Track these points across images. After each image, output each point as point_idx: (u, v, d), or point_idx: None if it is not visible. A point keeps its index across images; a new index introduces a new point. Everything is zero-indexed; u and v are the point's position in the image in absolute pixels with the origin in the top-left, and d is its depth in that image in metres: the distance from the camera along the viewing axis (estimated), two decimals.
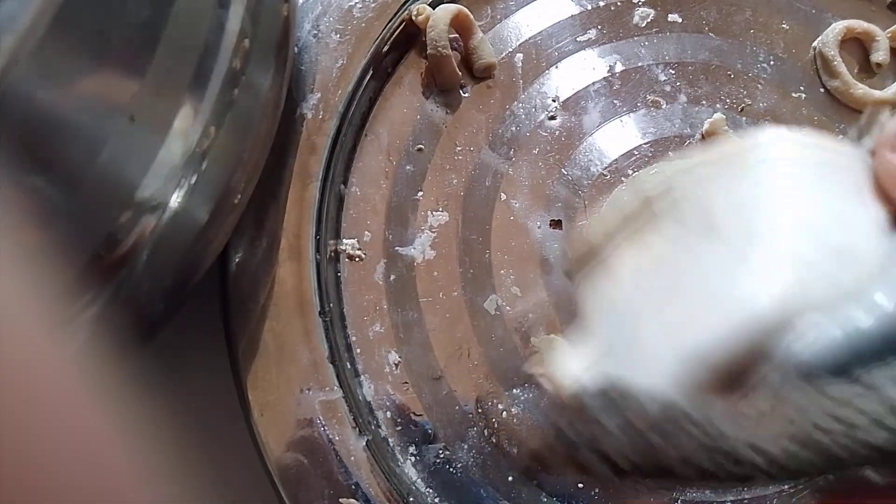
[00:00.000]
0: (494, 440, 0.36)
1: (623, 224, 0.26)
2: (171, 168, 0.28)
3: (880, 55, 0.42)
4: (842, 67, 0.42)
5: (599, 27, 0.42)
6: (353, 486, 0.34)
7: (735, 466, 0.21)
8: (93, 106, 0.24)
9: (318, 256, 0.37)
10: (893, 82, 0.42)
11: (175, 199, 0.29)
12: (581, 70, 0.42)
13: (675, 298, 0.23)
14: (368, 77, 0.40)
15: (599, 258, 0.26)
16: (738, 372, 0.22)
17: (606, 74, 0.42)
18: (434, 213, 0.39)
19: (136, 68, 0.25)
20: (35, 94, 0.21)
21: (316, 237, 0.37)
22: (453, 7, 0.39)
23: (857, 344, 0.21)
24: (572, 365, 0.24)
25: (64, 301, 0.26)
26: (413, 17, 0.40)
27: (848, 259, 0.22)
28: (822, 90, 0.42)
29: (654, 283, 0.24)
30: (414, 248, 0.38)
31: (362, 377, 0.37)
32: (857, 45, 0.43)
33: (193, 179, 0.29)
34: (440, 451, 0.36)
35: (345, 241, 0.38)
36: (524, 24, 0.42)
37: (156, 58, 0.25)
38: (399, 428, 0.36)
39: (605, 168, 0.40)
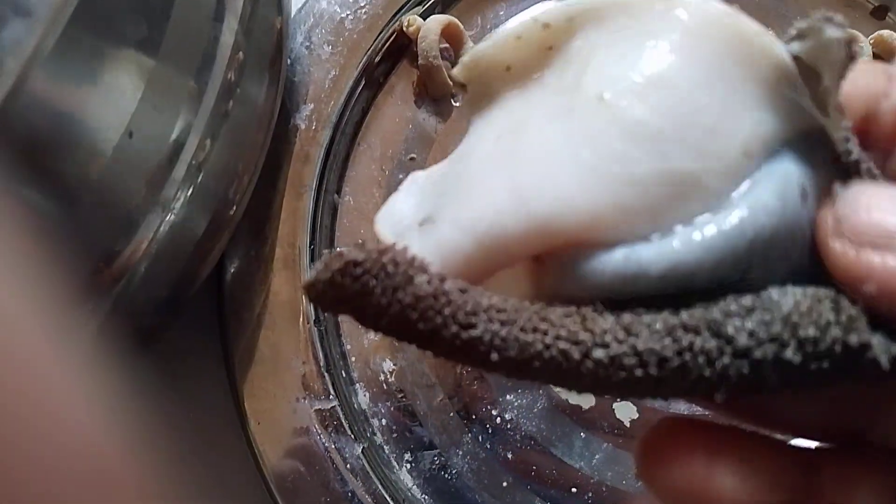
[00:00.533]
0: (489, 446, 0.36)
1: (513, 56, 0.21)
2: (167, 181, 0.28)
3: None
4: None
5: None
6: (350, 494, 0.35)
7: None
8: (92, 123, 0.24)
9: (312, 266, 0.37)
10: None
11: (172, 211, 0.29)
12: None
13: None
14: (360, 87, 0.40)
15: (488, 98, 0.22)
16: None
17: None
18: None
19: (133, 85, 0.25)
20: (37, 112, 0.21)
21: (310, 246, 0.38)
22: (444, 18, 0.40)
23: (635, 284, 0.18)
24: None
25: (65, 312, 0.27)
26: (404, 28, 0.40)
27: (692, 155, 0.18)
28: None
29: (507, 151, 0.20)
30: None
31: (357, 385, 0.37)
32: None
33: (189, 192, 0.29)
34: (435, 458, 0.36)
35: (339, 250, 0.38)
36: None
37: (153, 74, 0.26)
38: (394, 435, 0.36)
39: None
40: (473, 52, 0.21)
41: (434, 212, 0.20)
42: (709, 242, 0.18)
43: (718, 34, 0.19)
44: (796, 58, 0.19)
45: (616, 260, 0.18)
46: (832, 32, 0.18)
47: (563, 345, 0.18)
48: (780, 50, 0.19)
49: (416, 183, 0.22)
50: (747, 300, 0.18)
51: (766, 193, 0.19)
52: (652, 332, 0.18)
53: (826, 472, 0.20)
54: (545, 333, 0.18)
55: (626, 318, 0.18)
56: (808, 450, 0.21)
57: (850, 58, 0.18)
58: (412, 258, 0.18)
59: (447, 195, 0.20)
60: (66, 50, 0.21)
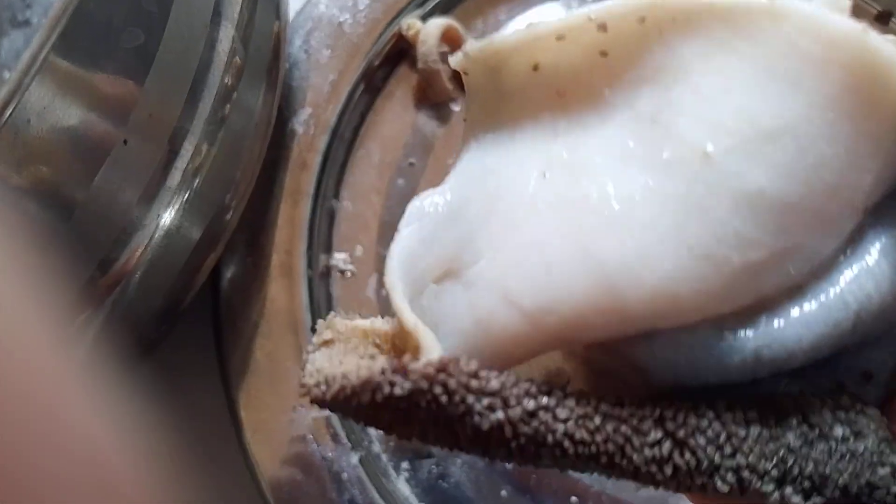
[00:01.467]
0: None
1: (548, 56, 0.18)
2: (163, 188, 0.28)
3: None
4: None
5: None
6: (347, 503, 0.34)
7: None
8: (88, 131, 0.24)
9: (309, 272, 0.37)
10: None
11: (167, 218, 0.29)
12: None
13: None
14: (359, 92, 0.40)
15: (500, 103, 0.19)
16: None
17: None
18: None
19: (130, 93, 0.25)
20: (33, 121, 0.21)
21: (307, 253, 0.37)
22: (444, 21, 0.39)
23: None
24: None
25: (61, 321, 0.26)
26: (404, 32, 0.40)
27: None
28: None
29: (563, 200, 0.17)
30: None
31: None
32: None
33: (186, 198, 0.29)
34: (433, 467, 0.36)
35: (336, 255, 0.38)
36: None
37: (149, 81, 0.25)
38: (391, 444, 0.36)
39: None
40: (486, 40, 0.18)
41: (458, 262, 0.17)
42: (810, 317, 0.16)
43: (845, 61, 0.15)
44: None
45: (712, 346, 0.16)
46: None
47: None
48: None
49: (422, 217, 0.19)
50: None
51: (876, 255, 0.16)
52: (760, 448, 0.16)
53: None
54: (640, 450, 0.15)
55: (726, 426, 0.16)
56: None
57: None
58: (468, 377, 0.15)
59: (472, 241, 0.17)
60: (62, 59, 0.21)
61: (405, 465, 0.36)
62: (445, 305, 0.17)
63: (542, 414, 0.15)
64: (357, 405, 0.15)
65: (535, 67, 0.17)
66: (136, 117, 0.26)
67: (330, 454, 0.35)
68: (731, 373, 0.16)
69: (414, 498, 0.35)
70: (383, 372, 0.15)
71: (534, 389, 0.15)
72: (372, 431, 0.36)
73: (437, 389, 0.15)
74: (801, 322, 0.16)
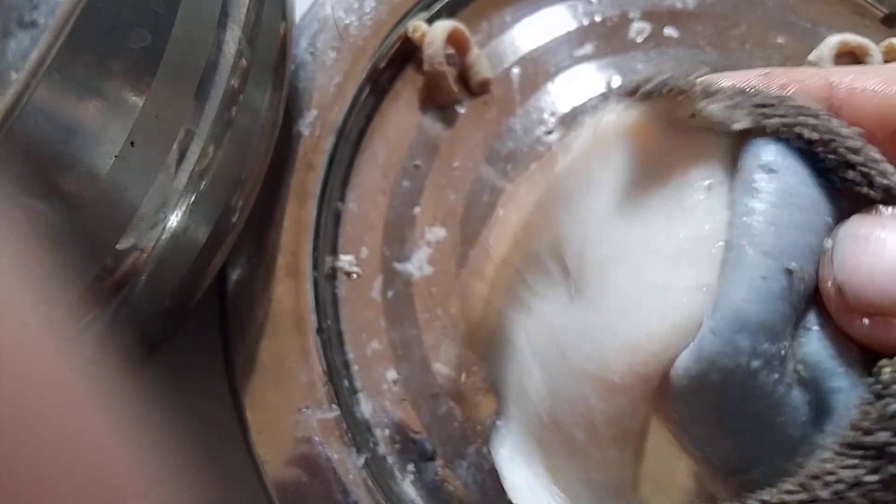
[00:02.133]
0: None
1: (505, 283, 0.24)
2: (170, 189, 0.28)
3: None
4: None
5: (596, 42, 0.43)
6: None
7: None
8: (95, 133, 0.24)
9: (315, 274, 0.37)
10: None
11: (174, 220, 0.29)
12: (578, 85, 0.42)
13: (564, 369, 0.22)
14: (365, 94, 0.40)
15: (494, 330, 0.25)
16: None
17: (604, 89, 0.42)
18: (431, 228, 0.39)
19: (137, 93, 0.25)
20: (40, 122, 0.21)
21: (313, 254, 0.37)
22: (449, 24, 0.39)
23: None
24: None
25: (67, 321, 0.26)
26: (409, 34, 0.40)
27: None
28: None
29: (546, 353, 0.23)
30: (411, 264, 0.38)
31: (360, 395, 0.37)
32: (851, 59, 0.43)
33: (192, 199, 0.29)
34: (439, 469, 0.36)
35: (342, 257, 0.38)
36: (520, 40, 0.42)
37: (156, 82, 0.25)
38: (397, 446, 0.36)
39: None
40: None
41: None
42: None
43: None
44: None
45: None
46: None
47: None
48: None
49: (514, 454, 0.24)
50: None
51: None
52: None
53: None
54: None
55: None
56: None
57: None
58: None
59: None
60: (69, 60, 0.21)
61: (410, 467, 0.36)
62: None
63: None
64: None
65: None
66: (142, 118, 0.26)
67: (335, 455, 0.35)
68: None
69: (419, 500, 0.35)
70: None
71: None
72: (377, 433, 0.36)
73: None
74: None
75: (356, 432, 0.36)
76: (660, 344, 0.20)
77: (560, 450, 0.23)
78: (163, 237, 0.29)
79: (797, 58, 0.43)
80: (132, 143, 0.26)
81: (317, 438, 0.35)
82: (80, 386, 0.15)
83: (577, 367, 0.21)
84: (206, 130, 0.29)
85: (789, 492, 0.18)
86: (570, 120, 0.41)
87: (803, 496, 0.18)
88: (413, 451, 0.36)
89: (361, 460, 0.35)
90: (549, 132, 0.41)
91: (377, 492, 0.35)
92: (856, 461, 0.18)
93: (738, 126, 0.19)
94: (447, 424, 0.36)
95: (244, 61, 0.30)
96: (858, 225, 0.18)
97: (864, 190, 0.19)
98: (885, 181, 0.19)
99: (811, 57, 0.43)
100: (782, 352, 0.18)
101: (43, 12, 0.20)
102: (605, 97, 0.41)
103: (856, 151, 0.19)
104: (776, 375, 0.18)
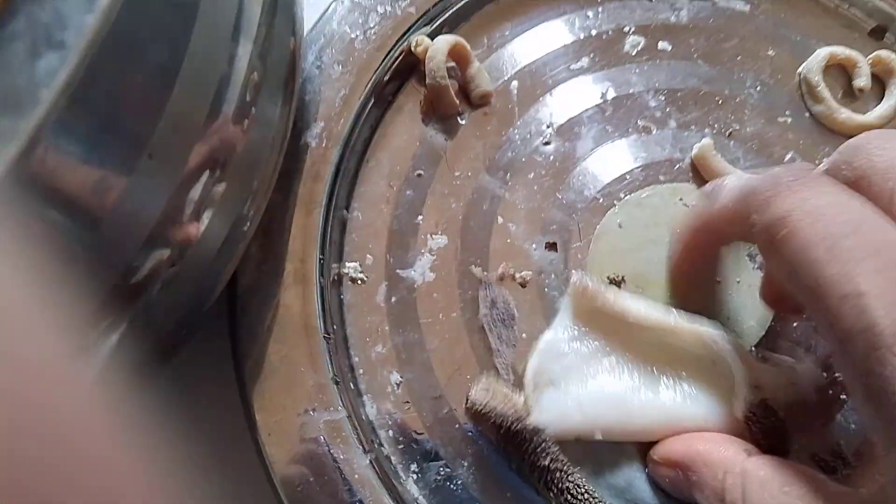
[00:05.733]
0: (494, 458, 0.37)
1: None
2: (186, 199, 0.29)
3: (862, 80, 0.44)
4: (826, 93, 0.43)
5: (592, 55, 0.44)
6: (358, 503, 0.35)
7: None
8: (114, 146, 0.25)
9: (322, 280, 0.38)
10: (875, 106, 0.44)
11: (190, 229, 0.30)
12: (574, 97, 0.43)
13: None
14: (370, 106, 0.41)
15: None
16: None
17: (599, 101, 0.43)
18: (434, 236, 0.40)
19: (155, 107, 0.26)
20: (63, 137, 0.22)
21: (320, 261, 0.38)
22: (451, 38, 0.41)
23: None
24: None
25: (83, 330, 0.27)
26: (412, 48, 0.41)
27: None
28: (807, 115, 0.44)
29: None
30: (414, 271, 0.40)
31: (365, 397, 0.38)
32: (840, 71, 0.45)
33: (207, 209, 0.30)
34: (441, 469, 0.37)
35: (347, 264, 0.39)
36: (519, 54, 0.44)
37: (173, 96, 0.27)
38: (401, 446, 0.37)
39: (599, 192, 0.41)
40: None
41: (558, 378, 0.35)
42: None
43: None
44: None
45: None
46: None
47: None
48: None
49: (549, 350, 0.36)
50: None
51: None
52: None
53: None
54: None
55: None
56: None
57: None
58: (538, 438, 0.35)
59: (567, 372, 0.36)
60: (94, 77, 0.22)
61: (414, 467, 0.37)
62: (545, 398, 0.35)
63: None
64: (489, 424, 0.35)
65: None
66: (160, 132, 0.27)
67: (342, 455, 0.36)
68: None
69: (423, 499, 0.36)
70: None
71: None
72: (382, 433, 0.37)
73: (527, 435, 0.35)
74: None
75: (361, 433, 0.37)
76: None
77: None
78: (178, 246, 0.30)
79: (787, 70, 0.44)
80: (150, 156, 0.27)
81: (324, 439, 0.36)
82: (98, 391, 0.16)
83: None
84: (218, 143, 0.30)
85: None
86: (566, 131, 0.42)
87: None
88: (416, 451, 0.37)
89: (367, 460, 0.36)
90: (547, 143, 0.42)
91: (382, 491, 0.36)
92: None
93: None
94: (449, 426, 0.37)
95: (255, 75, 0.31)
96: None
97: None
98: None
99: (801, 69, 0.44)
100: None
101: (71, 33, 0.21)
102: (599, 108, 0.43)
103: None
104: None
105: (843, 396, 0.37)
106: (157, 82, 0.27)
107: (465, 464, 0.37)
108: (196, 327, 0.33)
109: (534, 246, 0.40)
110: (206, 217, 0.30)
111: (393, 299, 0.39)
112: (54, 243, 0.25)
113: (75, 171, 0.24)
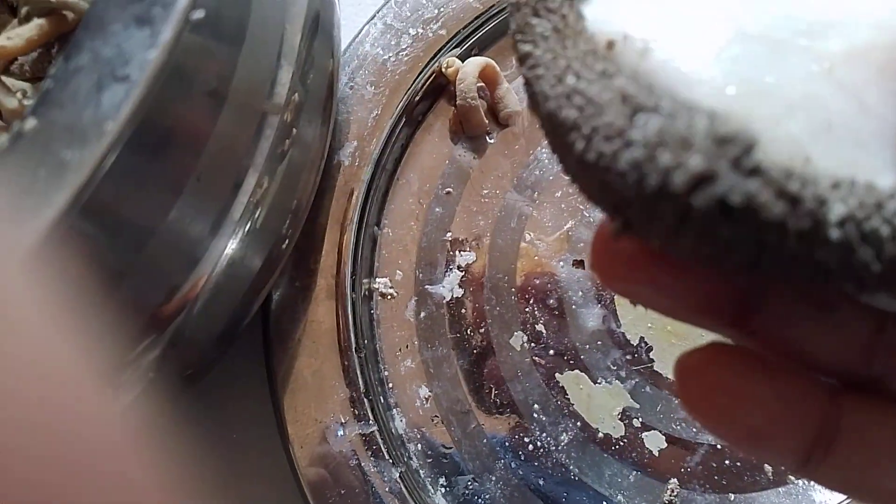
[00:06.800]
0: (521, 473, 0.38)
1: None
2: (227, 219, 0.30)
3: None
4: None
5: None
6: None
7: None
8: (166, 170, 0.26)
9: (353, 295, 0.39)
10: None
11: (230, 248, 0.31)
12: None
13: None
14: (401, 126, 0.42)
15: None
16: None
17: None
18: (462, 253, 0.41)
19: (204, 132, 0.27)
20: (121, 165, 0.23)
21: (351, 277, 0.39)
22: (482, 60, 0.41)
23: None
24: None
25: (126, 347, 0.28)
26: (443, 70, 0.42)
27: None
28: None
29: None
30: (443, 287, 0.40)
31: (394, 411, 0.39)
32: None
33: (248, 228, 0.31)
34: (469, 483, 0.38)
35: (378, 280, 0.40)
36: None
37: (220, 121, 0.27)
38: (430, 460, 0.38)
39: None
40: None
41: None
42: None
43: None
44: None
45: None
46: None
47: None
48: None
49: None
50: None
51: None
52: None
53: (847, 408, 0.20)
54: None
55: None
56: (833, 385, 0.20)
57: None
58: None
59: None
60: (154, 109, 0.23)
61: (442, 480, 0.38)
62: None
63: None
64: None
65: None
66: (208, 155, 0.28)
67: (372, 469, 0.37)
68: None
69: None
70: None
71: None
72: (411, 447, 0.38)
73: None
74: None
75: (391, 447, 0.37)
76: None
77: None
78: (219, 265, 0.30)
79: None
80: (198, 179, 0.28)
81: (354, 452, 0.37)
82: (136, 409, 0.16)
83: None
84: (261, 164, 0.31)
85: None
86: None
87: None
88: (444, 465, 0.38)
89: (396, 473, 0.37)
90: None
91: (411, 503, 0.36)
92: None
93: None
94: (476, 440, 0.38)
95: (296, 98, 0.32)
96: None
97: None
98: None
99: None
100: None
101: (134, 67, 0.22)
102: None
103: None
104: None
105: None
106: (205, 109, 0.27)
107: (493, 478, 0.38)
108: (233, 343, 0.34)
109: (561, 263, 0.41)
110: (248, 236, 0.31)
111: (422, 314, 0.40)
112: (103, 265, 0.26)
113: (129, 196, 0.25)
